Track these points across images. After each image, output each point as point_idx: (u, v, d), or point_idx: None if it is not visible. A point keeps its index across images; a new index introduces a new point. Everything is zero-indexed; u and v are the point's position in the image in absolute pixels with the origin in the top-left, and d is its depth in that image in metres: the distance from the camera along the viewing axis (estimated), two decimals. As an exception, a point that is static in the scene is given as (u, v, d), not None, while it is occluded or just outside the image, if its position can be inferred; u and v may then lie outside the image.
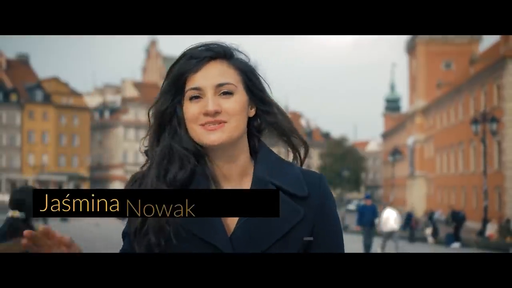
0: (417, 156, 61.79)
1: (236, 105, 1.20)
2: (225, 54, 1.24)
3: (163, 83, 1.26)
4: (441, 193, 52.92)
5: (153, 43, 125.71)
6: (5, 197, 48.99)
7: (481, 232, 23.93)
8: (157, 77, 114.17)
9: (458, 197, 46.60)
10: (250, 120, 1.26)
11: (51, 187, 68.58)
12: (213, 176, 1.23)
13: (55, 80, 73.93)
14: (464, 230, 25.72)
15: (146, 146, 1.28)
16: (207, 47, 1.24)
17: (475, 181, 38.94)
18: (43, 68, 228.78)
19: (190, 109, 1.20)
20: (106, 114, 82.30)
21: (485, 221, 23.67)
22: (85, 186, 74.20)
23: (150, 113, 1.27)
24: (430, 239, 23.69)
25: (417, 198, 59.39)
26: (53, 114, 70.61)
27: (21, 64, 73.62)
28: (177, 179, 1.19)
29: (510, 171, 36.60)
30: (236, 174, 1.24)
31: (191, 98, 1.21)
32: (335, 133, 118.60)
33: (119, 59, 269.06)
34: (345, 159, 73.11)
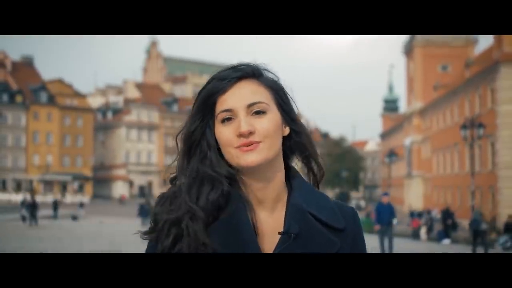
0: (414, 156, 63.01)
1: (270, 124, 1.17)
2: (254, 73, 1.22)
3: (192, 107, 1.24)
4: (438, 193, 54.16)
5: (153, 44, 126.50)
6: (12, 197, 49.10)
7: (454, 226, 25.46)
8: (158, 78, 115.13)
9: (454, 197, 47.86)
10: (284, 140, 1.24)
11: (56, 187, 69.81)
12: (247, 200, 1.21)
13: (59, 81, 75.08)
14: (459, 228, 27.14)
15: (172, 174, 1.27)
16: (235, 68, 1.22)
17: (469, 181, 40.25)
18: (44, 69, 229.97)
19: (224, 133, 1.18)
20: (109, 114, 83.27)
21: (473, 219, 25.19)
22: (88, 186, 75.39)
23: (178, 137, 1.25)
24: (424, 236, 25.07)
25: (415, 198, 60.63)
26: (57, 115, 71.80)
27: (25, 66, 74.73)
28: (209, 201, 1.17)
29: (503, 172, 37.88)
30: (270, 199, 1.22)
31: (223, 121, 1.18)
32: (334, 133, 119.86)
33: (120, 59, 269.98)
34: (344, 159, 74.06)
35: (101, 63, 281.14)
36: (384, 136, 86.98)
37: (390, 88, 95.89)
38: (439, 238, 23.08)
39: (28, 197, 30.05)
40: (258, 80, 1.22)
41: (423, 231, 25.60)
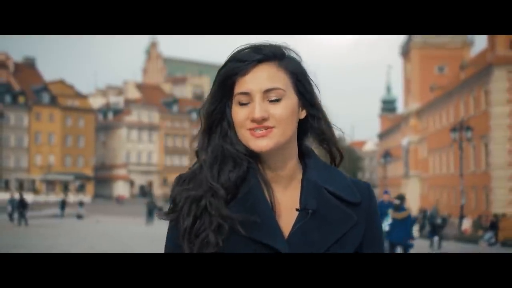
0: (411, 156, 63.89)
1: (284, 111, 1.18)
2: (275, 56, 1.21)
3: (212, 84, 1.25)
4: (434, 192, 55.02)
5: (153, 45, 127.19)
6: (14, 196, 49.05)
7: (443, 224, 26.76)
8: (158, 78, 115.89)
9: (450, 196, 48.73)
10: (300, 122, 1.24)
11: (58, 187, 70.63)
12: (263, 177, 1.22)
13: (61, 82, 75.96)
14: (450, 225, 28.19)
15: (198, 146, 1.27)
16: (256, 48, 1.21)
17: (465, 181, 41.16)
18: (44, 70, 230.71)
19: (238, 114, 1.19)
20: (110, 115, 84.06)
21: (461, 218, 26.26)
22: (89, 185, 76.23)
23: (201, 113, 1.26)
24: (416, 234, 26.06)
25: (412, 197, 61.44)
26: (59, 115, 72.71)
27: (27, 67, 75.62)
28: (231, 179, 1.19)
29: (495, 172, 38.77)
30: (285, 177, 1.24)
31: (240, 103, 1.19)
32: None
33: (120, 60, 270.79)
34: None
35: (101, 63, 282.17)
36: (382, 136, 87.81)
37: (388, 89, 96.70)
38: (429, 235, 24.04)
39: (16, 195, 28.13)
40: (278, 63, 1.21)
41: (415, 229, 26.56)
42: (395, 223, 11.08)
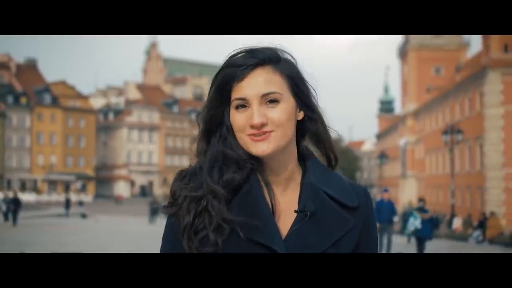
0: (408, 156, 64.70)
1: (282, 114, 1.18)
2: (270, 60, 1.21)
3: (209, 90, 1.25)
4: (431, 192, 55.80)
5: (153, 45, 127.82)
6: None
7: (436, 223, 27.61)
8: (158, 79, 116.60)
9: (446, 196, 49.51)
10: (298, 123, 1.25)
11: (59, 186, 71.37)
12: (264, 179, 1.23)
13: (62, 83, 76.75)
14: (445, 224, 29.08)
15: (197, 150, 1.29)
16: (251, 53, 1.21)
17: (461, 181, 41.93)
18: (45, 70, 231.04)
19: (237, 119, 1.20)
20: (110, 115, 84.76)
21: (452, 217, 27.19)
22: (91, 185, 76.98)
23: (199, 118, 1.27)
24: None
25: (409, 197, 62.19)
26: (60, 116, 73.60)
27: (29, 68, 76.42)
28: (236, 180, 1.19)
29: (490, 172, 39.59)
30: (284, 178, 1.24)
31: (237, 107, 1.20)
32: (332, 134, 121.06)
33: (120, 60, 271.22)
34: (341, 158, 75.34)
35: (102, 64, 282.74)
36: (380, 136, 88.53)
37: (386, 90, 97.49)
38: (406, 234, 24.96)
39: (10, 194, 27.58)
40: (273, 66, 1.22)
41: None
42: (423, 222, 13.17)
